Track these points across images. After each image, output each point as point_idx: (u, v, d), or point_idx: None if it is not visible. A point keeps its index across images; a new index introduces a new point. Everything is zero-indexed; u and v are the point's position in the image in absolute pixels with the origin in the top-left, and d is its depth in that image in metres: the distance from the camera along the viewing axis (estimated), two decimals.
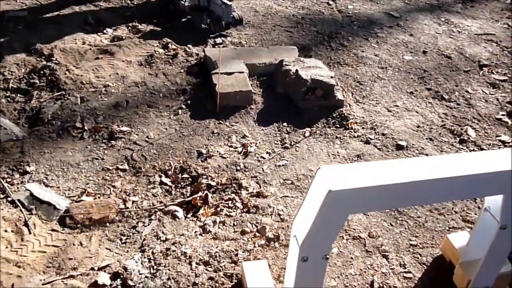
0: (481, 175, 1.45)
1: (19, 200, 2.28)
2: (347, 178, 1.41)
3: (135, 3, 4.41)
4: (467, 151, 2.88)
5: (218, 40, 3.82)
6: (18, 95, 3.07)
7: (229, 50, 3.53)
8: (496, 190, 1.54)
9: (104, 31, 3.89)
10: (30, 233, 2.14)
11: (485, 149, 2.91)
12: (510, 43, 4.28)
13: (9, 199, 2.30)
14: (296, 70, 3.12)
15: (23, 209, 2.24)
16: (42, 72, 3.24)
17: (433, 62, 3.86)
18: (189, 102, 3.09)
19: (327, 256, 1.50)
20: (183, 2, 4.02)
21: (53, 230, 2.18)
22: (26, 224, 2.17)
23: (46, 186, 2.43)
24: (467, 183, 1.45)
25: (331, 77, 3.11)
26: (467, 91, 3.51)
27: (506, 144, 2.97)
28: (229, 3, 3.84)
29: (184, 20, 4.09)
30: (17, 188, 2.39)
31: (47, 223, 2.21)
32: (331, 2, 4.75)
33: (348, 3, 4.76)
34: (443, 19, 4.67)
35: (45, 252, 2.07)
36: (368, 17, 4.53)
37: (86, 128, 2.80)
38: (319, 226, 1.41)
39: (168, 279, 1.94)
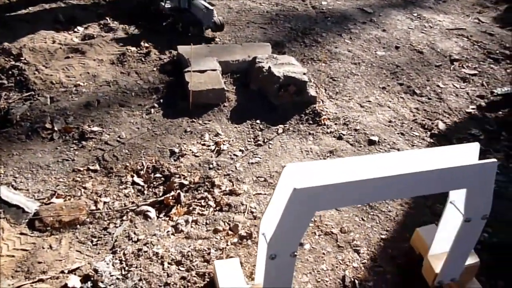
0: (443, 170, 1.47)
1: None
2: (312, 176, 1.42)
3: (107, 0, 4.35)
4: (437, 145, 2.93)
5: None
6: None
7: (202, 48, 3.51)
8: (459, 184, 1.57)
9: (75, 30, 3.83)
10: None
11: (455, 143, 2.96)
12: (480, 38, 4.36)
13: None
14: (269, 67, 3.13)
15: None
16: (10, 72, 3.17)
17: (405, 57, 3.91)
18: (161, 100, 3.07)
19: (295, 253, 1.51)
20: (163, 4, 3.94)
21: (22, 233, 2.14)
22: None
23: (15, 189, 2.39)
24: (430, 178, 1.47)
25: (304, 73, 3.12)
26: (438, 86, 3.56)
27: (476, 137, 3.03)
28: (211, 7, 3.77)
29: (164, 23, 4.01)
30: None
31: (16, 227, 2.18)
32: None
33: None
34: (415, 15, 4.72)
35: (13, 256, 2.03)
36: (341, 13, 4.56)
37: (56, 128, 2.76)
38: (285, 224, 1.42)
39: (140, 280, 1.93)
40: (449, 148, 1.63)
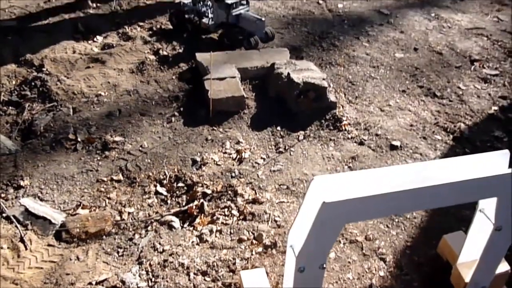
0: (474, 180, 1.45)
1: (14, 216, 2.27)
2: (341, 189, 1.42)
3: (124, 9, 4.38)
4: (460, 149, 2.89)
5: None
6: (10, 107, 3.06)
7: (220, 55, 3.51)
8: (490, 193, 1.55)
9: (95, 39, 3.87)
10: (26, 249, 2.13)
11: (479, 145, 2.92)
12: (500, 37, 4.29)
13: (4, 215, 2.29)
14: (288, 73, 3.12)
15: (18, 225, 2.23)
16: (33, 83, 3.22)
17: (425, 59, 3.86)
18: (181, 109, 3.08)
19: (324, 266, 1.50)
20: (205, 21, 3.80)
21: (49, 245, 2.17)
22: (22, 240, 2.16)
23: (41, 200, 2.42)
24: (460, 188, 1.46)
25: (323, 79, 3.11)
26: (459, 87, 3.52)
27: (500, 139, 2.98)
28: (262, 18, 3.66)
29: (204, 37, 3.91)
30: (12, 203, 2.38)
31: (43, 238, 2.21)
32: (321, 1, 4.74)
33: (338, 2, 4.76)
34: (433, 15, 4.67)
35: (42, 268, 2.06)
36: (358, 15, 4.52)
37: (79, 139, 2.79)
38: (314, 237, 1.41)
39: None
40: (478, 156, 1.61)
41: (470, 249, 1.86)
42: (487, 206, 1.70)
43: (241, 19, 3.71)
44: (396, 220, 2.34)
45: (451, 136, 3.00)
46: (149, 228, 2.28)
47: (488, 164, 1.57)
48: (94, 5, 4.39)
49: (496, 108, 3.31)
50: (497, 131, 3.05)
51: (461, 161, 1.58)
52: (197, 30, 3.88)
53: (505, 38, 4.28)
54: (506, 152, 1.59)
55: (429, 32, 4.31)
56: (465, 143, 2.95)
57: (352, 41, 4.05)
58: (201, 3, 3.88)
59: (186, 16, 3.87)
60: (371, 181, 1.44)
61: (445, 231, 2.27)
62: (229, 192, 2.46)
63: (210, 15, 3.84)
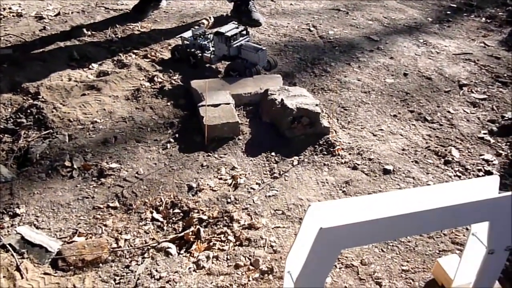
0: (466, 204, 1.49)
1: (10, 245, 2.27)
2: (338, 215, 1.45)
3: (119, 36, 4.46)
4: (452, 172, 2.95)
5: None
6: (6, 135, 3.07)
7: (214, 81, 3.57)
8: (482, 217, 1.59)
9: (90, 67, 3.92)
10: (22, 278, 2.13)
11: (469, 169, 2.97)
12: (487, 62, 4.40)
13: (0, 243, 2.29)
14: (282, 100, 3.18)
15: (14, 254, 2.23)
16: (29, 111, 3.25)
17: (414, 84, 3.95)
18: (177, 135, 3.12)
19: None
20: (207, 55, 3.85)
21: (45, 273, 2.17)
22: (18, 269, 2.16)
23: (37, 228, 2.42)
24: (453, 213, 1.50)
25: (316, 105, 3.17)
26: (448, 112, 3.60)
27: (490, 162, 3.04)
28: (264, 48, 3.72)
29: (208, 69, 3.94)
30: (8, 231, 2.38)
31: (39, 267, 2.20)
32: (312, 28, 4.85)
33: (329, 29, 4.87)
34: (421, 41, 4.79)
35: None
36: (349, 41, 4.63)
37: (75, 166, 2.81)
38: (312, 263, 1.44)
39: None
40: (470, 181, 1.65)
41: (465, 272, 1.89)
42: (480, 230, 1.74)
43: (242, 50, 3.75)
44: (391, 244, 2.37)
45: (442, 159, 3.05)
46: (145, 255, 2.29)
47: (479, 189, 1.62)
48: (89, 33, 4.46)
49: (485, 131, 3.38)
50: (486, 155, 3.11)
51: (453, 186, 1.62)
52: (200, 63, 3.92)
53: (491, 63, 4.39)
54: (495, 177, 1.64)
55: (418, 58, 4.41)
56: (456, 166, 3.00)
57: (343, 67, 4.14)
58: (202, 37, 3.95)
59: (188, 50, 3.92)
60: (367, 207, 1.48)
61: (439, 254, 2.31)
62: (225, 218, 2.48)
63: (211, 49, 3.91)
